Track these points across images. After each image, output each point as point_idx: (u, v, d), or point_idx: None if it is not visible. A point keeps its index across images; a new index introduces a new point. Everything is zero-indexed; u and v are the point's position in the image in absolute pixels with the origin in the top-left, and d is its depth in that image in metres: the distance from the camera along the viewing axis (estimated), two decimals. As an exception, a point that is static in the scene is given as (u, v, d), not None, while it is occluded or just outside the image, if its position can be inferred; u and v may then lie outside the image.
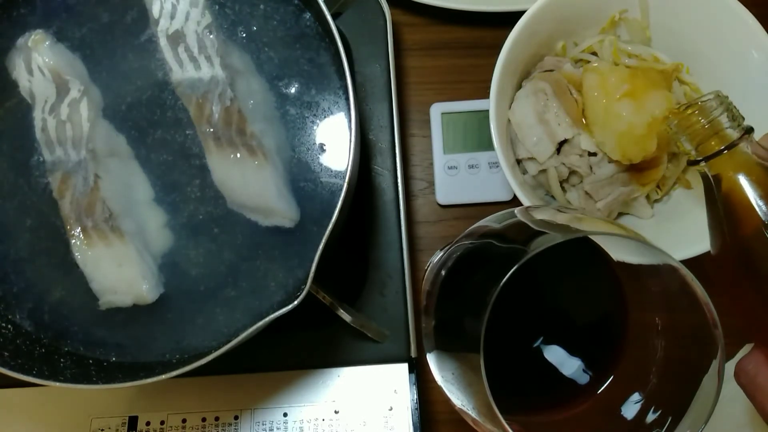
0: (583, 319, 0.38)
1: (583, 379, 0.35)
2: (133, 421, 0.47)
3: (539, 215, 0.33)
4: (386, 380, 0.47)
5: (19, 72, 0.44)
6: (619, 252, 0.34)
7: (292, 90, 0.45)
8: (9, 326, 0.43)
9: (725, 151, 0.32)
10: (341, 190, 0.39)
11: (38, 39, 0.44)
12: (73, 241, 0.42)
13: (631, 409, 0.32)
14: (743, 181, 0.32)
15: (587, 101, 0.46)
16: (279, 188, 0.42)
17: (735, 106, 0.33)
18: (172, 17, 0.44)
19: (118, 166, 0.44)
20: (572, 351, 0.36)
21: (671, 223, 0.48)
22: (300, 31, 0.45)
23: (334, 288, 0.46)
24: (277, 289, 0.43)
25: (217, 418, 0.46)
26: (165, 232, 0.44)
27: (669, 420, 0.29)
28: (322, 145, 0.44)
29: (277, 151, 0.43)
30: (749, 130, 0.32)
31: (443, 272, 0.35)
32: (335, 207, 0.39)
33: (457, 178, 0.55)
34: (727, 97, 0.33)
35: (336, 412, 0.47)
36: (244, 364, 0.47)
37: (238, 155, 0.42)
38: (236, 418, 0.47)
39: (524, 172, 0.49)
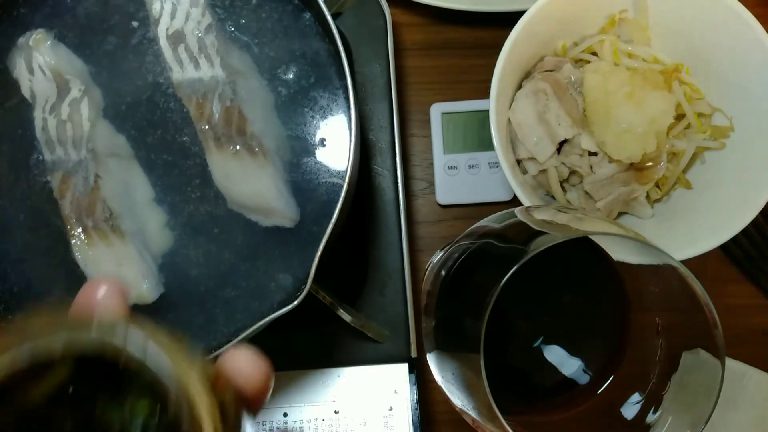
0: (584, 319, 0.38)
1: (583, 379, 0.35)
2: (133, 421, 0.46)
3: (539, 215, 0.33)
4: (386, 380, 0.47)
5: (20, 71, 0.44)
6: (619, 252, 0.34)
7: (292, 90, 0.45)
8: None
9: None
10: (341, 190, 0.39)
11: (39, 38, 0.44)
12: (74, 240, 0.42)
13: (631, 409, 0.32)
14: None
15: (588, 101, 0.46)
16: (279, 188, 0.42)
17: None
18: (173, 17, 0.44)
19: (119, 166, 0.44)
20: (572, 351, 0.36)
21: (671, 223, 0.48)
22: (300, 31, 0.45)
23: (334, 288, 0.46)
24: (277, 289, 0.43)
25: (217, 418, 0.46)
26: (165, 232, 0.44)
27: (669, 420, 0.29)
28: (322, 145, 0.44)
29: (277, 151, 0.43)
30: None
31: (443, 272, 0.35)
32: (335, 207, 0.39)
33: (457, 178, 0.55)
34: None
35: (336, 412, 0.46)
36: (244, 364, 0.47)
37: (239, 155, 0.42)
38: (236, 418, 0.46)
39: (524, 172, 0.49)
